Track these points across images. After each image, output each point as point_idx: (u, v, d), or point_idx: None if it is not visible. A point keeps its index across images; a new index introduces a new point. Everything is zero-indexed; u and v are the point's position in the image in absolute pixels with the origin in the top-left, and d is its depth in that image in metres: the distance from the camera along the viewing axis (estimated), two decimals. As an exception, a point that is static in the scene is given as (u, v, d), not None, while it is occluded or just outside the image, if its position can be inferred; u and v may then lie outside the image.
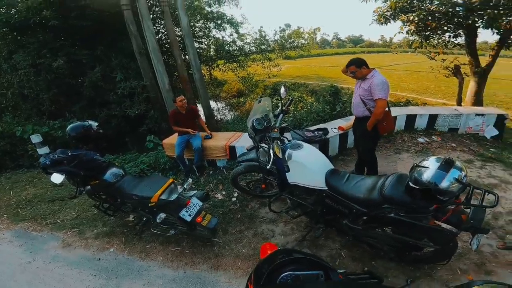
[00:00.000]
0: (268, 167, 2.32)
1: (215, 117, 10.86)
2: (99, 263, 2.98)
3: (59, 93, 8.04)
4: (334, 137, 4.53)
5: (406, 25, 6.16)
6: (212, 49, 12.35)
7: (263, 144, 2.64)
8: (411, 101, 8.30)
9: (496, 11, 5.02)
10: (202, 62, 11.49)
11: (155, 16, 9.51)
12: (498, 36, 6.04)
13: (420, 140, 4.99)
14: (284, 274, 1.19)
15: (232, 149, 4.43)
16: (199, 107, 7.86)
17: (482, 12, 5.19)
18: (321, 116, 6.06)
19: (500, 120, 5.12)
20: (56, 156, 2.98)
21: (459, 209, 1.89)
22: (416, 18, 5.78)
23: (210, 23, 11.05)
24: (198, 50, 11.91)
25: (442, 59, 6.81)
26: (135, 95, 7.90)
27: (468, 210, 1.89)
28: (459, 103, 7.08)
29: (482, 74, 6.57)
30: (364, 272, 1.44)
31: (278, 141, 2.46)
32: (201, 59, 11.50)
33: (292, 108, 7.96)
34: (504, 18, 5.12)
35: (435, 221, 1.93)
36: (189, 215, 2.74)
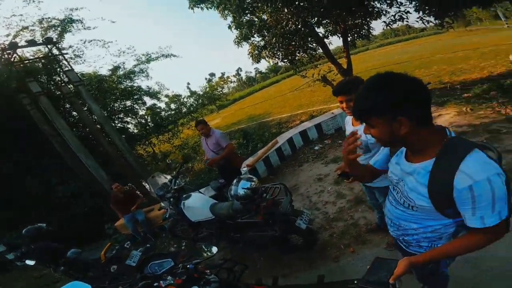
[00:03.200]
0: (166, 216, 3.33)
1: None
2: None
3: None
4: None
5: (270, 60, 7.29)
6: (147, 122, 12.34)
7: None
8: (319, 112, 9.41)
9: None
10: (136, 141, 11.41)
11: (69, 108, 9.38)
12: (341, 39, 7.50)
13: (316, 148, 5.70)
14: None
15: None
16: (148, 187, 7.79)
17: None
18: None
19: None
20: (22, 251, 3.90)
21: (270, 203, 2.52)
22: (279, 52, 6.91)
23: (128, 100, 11.24)
24: (129, 128, 11.86)
25: (312, 74, 7.97)
26: (81, 195, 7.57)
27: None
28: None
29: (346, 73, 7.84)
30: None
31: (171, 199, 3.26)
32: (135, 138, 11.43)
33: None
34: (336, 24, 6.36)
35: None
36: (133, 262, 3.11)
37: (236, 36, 6.98)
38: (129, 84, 11.00)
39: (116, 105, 11.20)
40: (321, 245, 2.92)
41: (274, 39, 6.49)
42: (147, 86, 12.05)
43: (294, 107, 14.91)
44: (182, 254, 1.95)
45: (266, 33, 6.64)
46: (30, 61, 8.10)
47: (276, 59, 7.30)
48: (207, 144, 4.02)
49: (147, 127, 12.10)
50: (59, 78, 8.83)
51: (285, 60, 7.50)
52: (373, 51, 40.92)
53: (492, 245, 0.97)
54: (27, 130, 7.67)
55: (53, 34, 8.29)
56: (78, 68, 11.07)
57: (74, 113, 9.53)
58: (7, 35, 8.10)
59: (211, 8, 7.00)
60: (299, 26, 6.17)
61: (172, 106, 14.07)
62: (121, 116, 11.67)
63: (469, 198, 0.87)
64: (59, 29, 8.62)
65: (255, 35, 6.70)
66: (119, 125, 11.42)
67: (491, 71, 8.71)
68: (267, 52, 7.05)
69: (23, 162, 7.45)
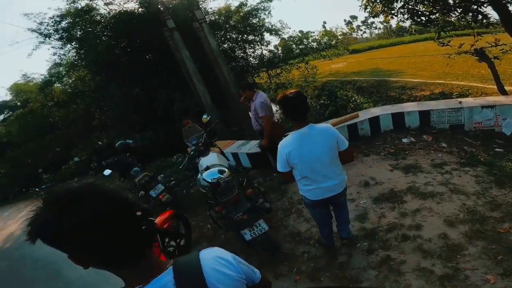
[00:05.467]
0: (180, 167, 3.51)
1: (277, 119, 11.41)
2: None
3: (139, 113, 10.00)
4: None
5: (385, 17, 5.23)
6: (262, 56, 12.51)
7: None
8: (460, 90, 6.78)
9: None
10: (248, 72, 11.98)
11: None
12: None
13: (404, 140, 4.29)
14: None
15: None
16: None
17: None
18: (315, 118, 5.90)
19: (520, 112, 3.83)
20: (108, 161, 4.55)
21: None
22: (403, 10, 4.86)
23: (250, 35, 11.49)
24: (245, 60, 12.39)
25: (459, 45, 5.28)
26: (189, 110, 9.06)
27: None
28: (501, 90, 5.35)
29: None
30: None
31: (191, 152, 3.35)
32: (247, 70, 12.00)
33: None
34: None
35: None
36: (154, 193, 3.90)
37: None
38: (254, 20, 11.11)
39: (240, 37, 11.67)
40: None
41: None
42: (269, 23, 11.74)
43: (437, 74, 11.21)
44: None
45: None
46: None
47: (395, 16, 5.17)
48: (250, 108, 3.70)
49: (263, 60, 12.25)
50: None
51: (414, 21, 5.20)
52: None
53: None
54: (165, 56, 9.36)
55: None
56: (214, 4, 11.90)
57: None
58: None
59: None
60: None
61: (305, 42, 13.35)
62: (243, 46, 12.10)
63: None
64: None
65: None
66: (241, 55, 12.14)
67: None
68: (381, 7, 5.02)
69: (157, 81, 9.40)
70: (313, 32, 13.50)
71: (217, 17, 11.02)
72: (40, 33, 9.34)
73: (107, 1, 9.34)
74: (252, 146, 4.88)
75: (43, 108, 13.39)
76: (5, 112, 16.87)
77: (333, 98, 6.58)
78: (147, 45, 9.38)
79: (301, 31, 17.50)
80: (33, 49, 11.36)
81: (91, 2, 9.27)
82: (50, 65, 10.89)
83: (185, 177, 5.08)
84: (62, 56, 10.18)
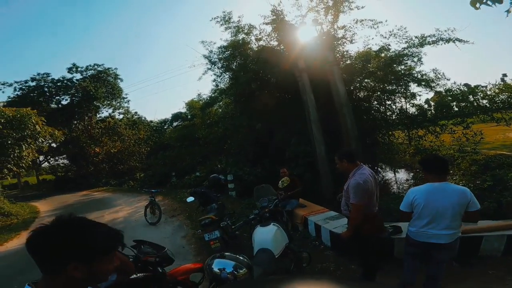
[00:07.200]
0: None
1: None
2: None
3: (256, 148, 10.61)
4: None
5: None
6: (406, 112, 10.54)
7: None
8: None
9: None
10: (382, 127, 10.38)
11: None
12: None
13: None
14: None
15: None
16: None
17: None
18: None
19: None
20: (196, 189, 5.19)
21: None
22: None
23: (392, 84, 9.92)
24: (380, 114, 10.84)
25: None
26: (299, 158, 8.80)
27: None
28: None
29: None
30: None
31: (257, 217, 3.03)
32: (381, 124, 10.39)
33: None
34: None
35: None
36: (208, 238, 3.92)
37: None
38: (399, 68, 9.58)
39: (378, 86, 10.34)
40: None
41: None
42: (418, 71, 9.74)
43: None
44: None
45: None
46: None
47: None
48: (344, 187, 2.80)
49: (403, 116, 10.25)
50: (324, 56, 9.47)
51: None
52: None
53: None
54: (292, 97, 9.63)
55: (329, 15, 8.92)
56: (352, 47, 10.83)
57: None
58: (299, 16, 9.73)
59: None
60: None
61: (470, 98, 10.38)
62: (380, 97, 10.68)
63: None
64: (332, 10, 8.99)
65: None
66: (376, 107, 10.77)
67: None
68: None
69: (279, 119, 9.76)
70: (484, 86, 9.90)
71: (353, 61, 10.28)
72: (209, 60, 11.44)
73: (258, 37, 10.75)
74: (341, 224, 4.13)
75: (201, 124, 17.09)
76: (178, 121, 23.21)
77: (498, 188, 4.31)
78: (279, 83, 9.87)
79: (466, 85, 13.52)
80: (203, 74, 12.54)
81: (246, 36, 10.85)
82: (212, 89, 13.14)
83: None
84: (218, 83, 12.26)
